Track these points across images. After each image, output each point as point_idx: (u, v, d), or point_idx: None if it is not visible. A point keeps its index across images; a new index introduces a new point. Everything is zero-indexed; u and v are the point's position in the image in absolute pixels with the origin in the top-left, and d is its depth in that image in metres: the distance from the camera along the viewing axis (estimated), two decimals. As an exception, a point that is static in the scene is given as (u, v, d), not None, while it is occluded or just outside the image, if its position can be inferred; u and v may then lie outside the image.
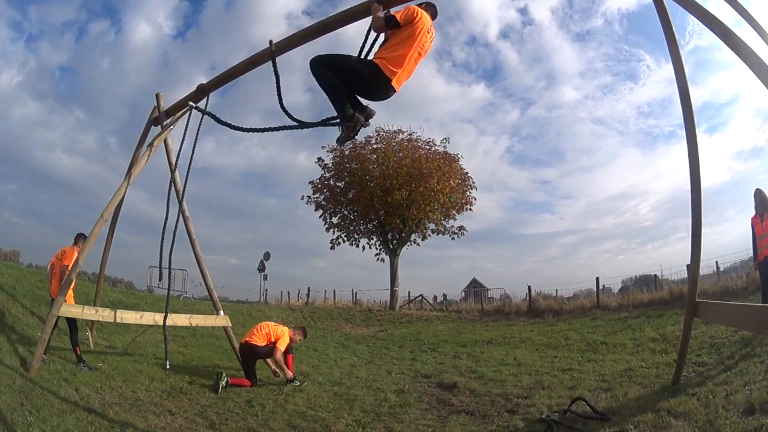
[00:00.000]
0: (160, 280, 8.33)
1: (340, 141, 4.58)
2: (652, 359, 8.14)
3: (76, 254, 7.65)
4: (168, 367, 7.52)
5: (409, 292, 29.19)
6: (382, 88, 4.25)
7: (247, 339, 7.84)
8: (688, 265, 7.07)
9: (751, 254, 8.57)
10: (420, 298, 28.34)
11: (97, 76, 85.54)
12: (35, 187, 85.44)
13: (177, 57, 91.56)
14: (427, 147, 27.63)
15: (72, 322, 7.66)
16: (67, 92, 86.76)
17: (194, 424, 5.39)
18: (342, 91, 4.22)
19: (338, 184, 28.43)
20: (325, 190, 28.43)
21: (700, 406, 4.95)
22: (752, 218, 8.21)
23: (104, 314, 7.60)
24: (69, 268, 7.43)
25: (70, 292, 7.45)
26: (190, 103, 7.01)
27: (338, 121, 4.36)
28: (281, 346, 7.77)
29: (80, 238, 7.90)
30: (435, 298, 29.13)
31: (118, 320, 7.69)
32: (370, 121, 4.35)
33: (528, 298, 20.95)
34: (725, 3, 4.38)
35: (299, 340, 8.69)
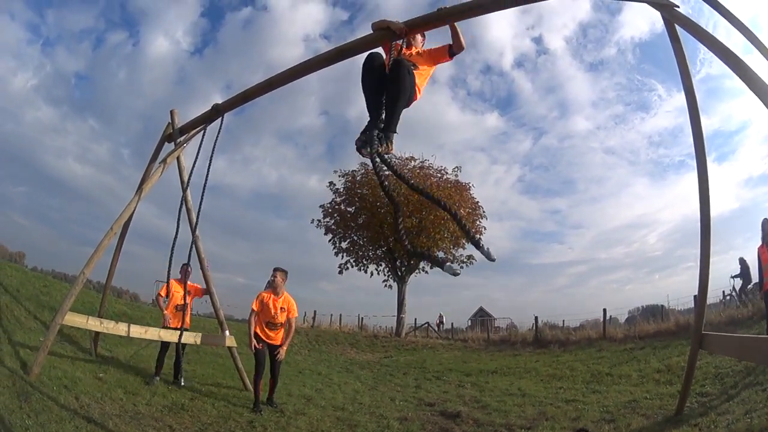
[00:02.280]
0: (159, 294, 8.52)
1: (381, 153, 4.23)
2: (656, 390, 8.11)
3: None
4: (182, 384, 7.79)
5: (415, 319, 29.07)
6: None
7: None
8: (695, 296, 7.10)
9: (757, 282, 8.68)
10: (426, 325, 28.18)
11: (112, 86, 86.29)
12: (45, 191, 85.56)
13: (193, 73, 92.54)
14: (439, 175, 27.81)
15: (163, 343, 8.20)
16: (82, 100, 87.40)
17: None
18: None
19: (349, 209, 28.58)
20: (335, 215, 28.58)
21: None
22: (759, 248, 8.34)
23: (109, 326, 7.68)
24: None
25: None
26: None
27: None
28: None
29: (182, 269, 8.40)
30: (440, 317, 28.92)
31: (122, 333, 7.75)
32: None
33: (534, 328, 20.80)
34: (736, 30, 4.50)
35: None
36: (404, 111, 4.31)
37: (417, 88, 4.42)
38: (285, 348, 7.41)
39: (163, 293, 8.35)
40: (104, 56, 79.44)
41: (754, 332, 9.77)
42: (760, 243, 8.35)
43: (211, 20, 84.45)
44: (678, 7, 4.60)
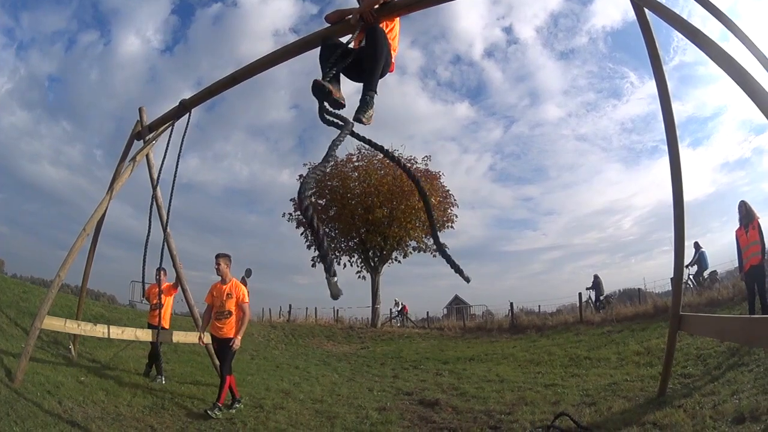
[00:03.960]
0: (142, 296, 8.35)
1: (368, 118, 4.00)
2: (636, 372, 8.15)
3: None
4: (163, 381, 8.01)
5: (390, 309, 29.06)
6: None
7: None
8: (671, 278, 7.10)
9: (737, 265, 8.78)
10: (398, 315, 28.13)
11: (85, 87, 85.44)
12: (20, 197, 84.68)
13: (164, 71, 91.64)
14: (409, 165, 27.61)
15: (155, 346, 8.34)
16: (56, 103, 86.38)
17: None
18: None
19: (319, 201, 28.26)
20: (306, 208, 28.15)
21: (686, 417, 4.99)
22: (737, 230, 8.46)
23: (86, 328, 7.61)
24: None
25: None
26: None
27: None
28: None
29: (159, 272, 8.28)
30: (396, 303, 28.79)
31: (100, 335, 7.73)
32: None
33: (510, 314, 20.95)
34: (711, 16, 4.42)
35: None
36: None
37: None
38: (239, 337, 6.98)
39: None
40: (76, 57, 78.89)
41: (735, 312, 9.90)
42: (738, 225, 8.42)
43: (181, 17, 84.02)
44: None
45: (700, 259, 15.42)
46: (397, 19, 4.81)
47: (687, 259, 13.62)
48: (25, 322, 9.44)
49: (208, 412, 6.40)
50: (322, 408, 7.36)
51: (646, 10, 5.03)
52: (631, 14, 5.39)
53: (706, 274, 15.54)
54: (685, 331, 6.06)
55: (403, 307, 29.05)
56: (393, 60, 4.54)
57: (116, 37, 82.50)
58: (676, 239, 5.84)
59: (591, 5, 73.66)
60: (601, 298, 18.85)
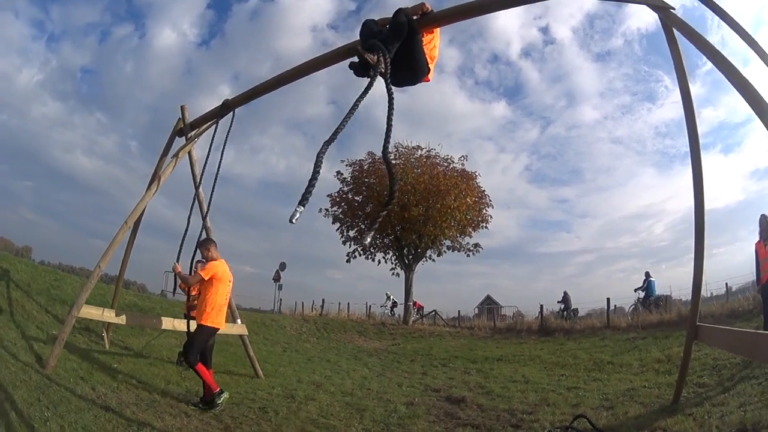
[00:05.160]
0: (177, 287, 8.60)
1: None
2: (655, 380, 8.29)
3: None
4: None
5: (422, 307, 29.20)
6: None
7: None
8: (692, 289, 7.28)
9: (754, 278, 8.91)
10: (434, 313, 28.36)
11: (119, 79, 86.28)
12: (52, 185, 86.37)
13: (201, 65, 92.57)
14: (446, 164, 27.86)
15: None
16: (89, 94, 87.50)
17: (209, 427, 5.59)
18: None
19: (356, 198, 28.69)
20: (342, 204, 28.70)
21: (695, 425, 5.16)
22: (756, 243, 8.48)
23: (123, 318, 7.95)
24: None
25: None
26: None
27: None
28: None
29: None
30: (416, 304, 28.89)
31: (136, 324, 8.07)
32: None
33: (540, 316, 21.04)
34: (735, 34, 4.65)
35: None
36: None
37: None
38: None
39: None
40: (110, 50, 79.51)
41: (753, 325, 9.92)
42: (758, 238, 8.51)
43: (217, 12, 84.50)
44: (674, 9, 4.72)
45: (648, 287, 18.78)
46: (437, 30, 5.15)
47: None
48: (56, 309, 9.86)
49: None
50: (352, 401, 7.60)
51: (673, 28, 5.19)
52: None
53: (652, 298, 18.53)
54: (700, 342, 6.22)
55: (415, 303, 28.81)
56: (432, 69, 4.91)
57: (151, 30, 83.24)
58: (696, 249, 5.91)
59: (626, 7, 72.17)
60: (570, 309, 22.27)
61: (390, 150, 3.51)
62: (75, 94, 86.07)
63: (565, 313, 22.02)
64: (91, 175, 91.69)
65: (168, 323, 8.36)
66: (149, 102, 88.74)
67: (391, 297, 29.32)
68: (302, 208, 2.76)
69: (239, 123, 7.37)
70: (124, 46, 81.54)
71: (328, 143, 3.08)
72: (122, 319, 7.97)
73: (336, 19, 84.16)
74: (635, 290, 19.46)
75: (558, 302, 22.78)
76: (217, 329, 6.79)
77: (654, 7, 4.85)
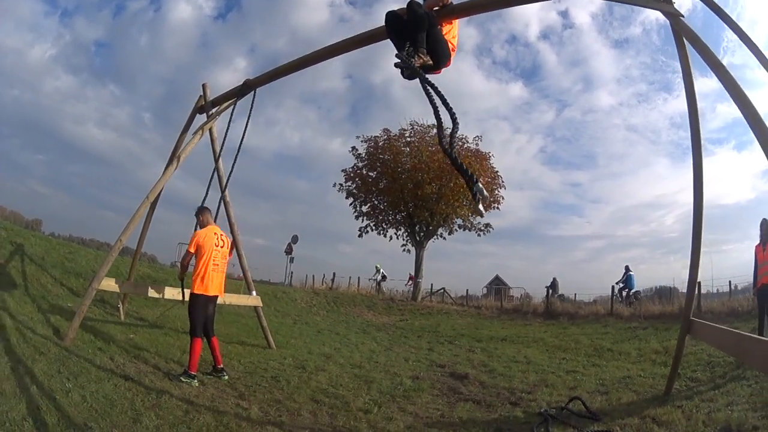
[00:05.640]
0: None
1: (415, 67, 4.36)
2: (651, 370, 8.53)
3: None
4: None
5: (432, 284, 29.53)
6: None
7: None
8: (698, 282, 7.47)
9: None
10: (442, 291, 28.72)
11: (134, 52, 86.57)
12: (64, 158, 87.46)
13: (217, 38, 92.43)
14: (460, 144, 27.92)
15: None
16: (103, 67, 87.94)
17: (225, 394, 5.83)
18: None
19: (370, 173, 28.99)
20: (357, 179, 29.07)
21: (683, 417, 5.38)
22: (756, 246, 8.61)
23: (153, 291, 8.18)
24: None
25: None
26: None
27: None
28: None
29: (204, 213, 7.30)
30: (411, 277, 29.24)
31: (155, 295, 8.11)
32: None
33: (546, 300, 21.37)
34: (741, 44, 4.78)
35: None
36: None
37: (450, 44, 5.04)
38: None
39: None
40: (125, 23, 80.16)
41: (750, 326, 10.07)
42: (757, 241, 8.62)
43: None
44: (683, 16, 4.86)
45: (627, 280, 19.75)
46: (456, 20, 5.38)
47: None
48: (71, 281, 10.20)
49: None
50: (361, 373, 7.92)
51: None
52: (685, 6, 5.58)
53: (631, 292, 19.57)
54: (693, 336, 6.44)
55: (410, 277, 29.20)
56: (451, 58, 5.15)
57: (166, 4, 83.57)
58: (693, 245, 6.14)
59: (643, -2, 70.85)
60: (557, 295, 23.57)
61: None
62: (88, 68, 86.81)
63: (555, 296, 22.83)
64: (104, 147, 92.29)
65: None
66: (164, 74, 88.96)
67: (381, 270, 29.38)
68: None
69: (255, 96, 7.67)
70: (139, 20, 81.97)
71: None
72: (156, 292, 8.17)
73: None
74: (615, 283, 19.90)
75: (546, 287, 23.48)
76: (211, 296, 6.72)
77: (665, 13, 5.00)
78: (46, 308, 7.97)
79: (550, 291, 23.05)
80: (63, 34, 79.95)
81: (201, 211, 7.22)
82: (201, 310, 6.60)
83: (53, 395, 4.56)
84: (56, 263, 11.01)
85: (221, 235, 7.03)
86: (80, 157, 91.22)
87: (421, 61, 4.50)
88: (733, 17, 4.94)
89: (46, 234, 20.24)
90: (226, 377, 6.57)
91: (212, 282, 6.68)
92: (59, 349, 6.12)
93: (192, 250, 6.71)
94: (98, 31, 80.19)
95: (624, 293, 19.61)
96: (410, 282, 29.10)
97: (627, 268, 20.10)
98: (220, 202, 8.15)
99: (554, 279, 24.28)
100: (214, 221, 7.28)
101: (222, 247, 6.92)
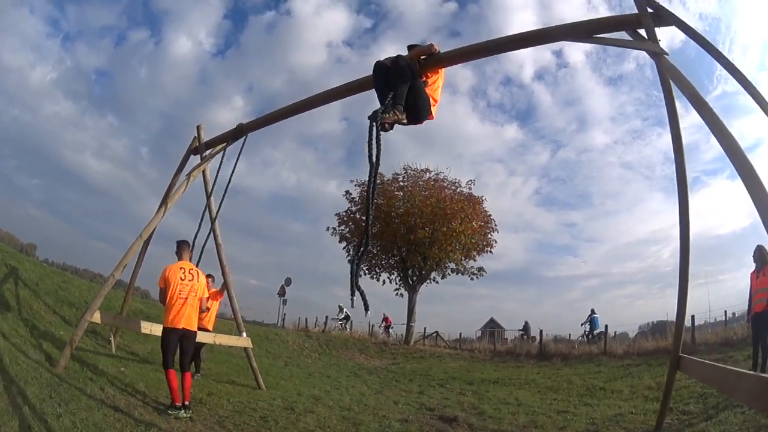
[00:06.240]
0: None
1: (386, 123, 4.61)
2: (643, 406, 8.46)
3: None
4: (199, 378, 8.50)
5: (425, 327, 29.21)
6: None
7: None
8: (692, 315, 7.48)
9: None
10: (435, 334, 28.40)
11: (133, 84, 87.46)
12: (60, 184, 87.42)
13: (215, 74, 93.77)
14: (453, 187, 28.17)
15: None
16: (102, 96, 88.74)
17: (212, 431, 5.89)
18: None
19: (363, 217, 28.85)
20: (350, 223, 29.07)
21: None
22: (751, 273, 8.63)
23: (144, 326, 8.16)
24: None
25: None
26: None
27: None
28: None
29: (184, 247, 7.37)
30: (387, 320, 29.70)
31: (147, 332, 8.14)
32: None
33: (539, 341, 21.23)
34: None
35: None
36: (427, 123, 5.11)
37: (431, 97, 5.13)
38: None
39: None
40: (126, 54, 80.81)
41: (745, 353, 10.06)
42: (752, 269, 8.64)
43: (234, 22, 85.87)
44: (667, 54, 4.99)
45: (591, 322, 21.75)
46: (442, 71, 5.50)
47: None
48: (63, 310, 10.26)
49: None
50: (349, 415, 7.85)
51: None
52: (677, 41, 5.65)
53: (595, 332, 21.11)
54: (682, 371, 6.42)
55: (386, 319, 29.29)
56: (433, 110, 5.24)
57: (167, 37, 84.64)
58: (680, 282, 6.28)
59: (639, 31, 72.79)
60: (529, 337, 25.07)
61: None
62: (88, 95, 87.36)
63: (591, 336, 22.95)
64: (100, 177, 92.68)
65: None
66: (162, 108, 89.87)
67: (344, 309, 28.89)
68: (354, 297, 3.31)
69: (251, 136, 7.84)
70: (140, 51, 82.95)
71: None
72: (151, 330, 8.11)
73: (352, 35, 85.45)
74: (581, 324, 22.34)
75: (519, 330, 26.14)
76: (181, 329, 6.59)
77: (650, 53, 5.11)
78: (38, 334, 8.06)
79: (523, 334, 25.04)
80: (64, 58, 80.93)
81: (177, 245, 7.24)
82: (169, 343, 6.53)
83: (44, 417, 4.69)
84: (50, 291, 11.12)
85: (190, 269, 6.99)
86: (75, 185, 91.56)
87: (395, 118, 4.63)
88: (726, 43, 5.10)
89: (41, 260, 20.23)
90: (185, 415, 6.23)
91: (179, 315, 6.61)
92: (51, 375, 6.21)
93: (161, 285, 6.75)
94: (99, 59, 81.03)
95: (589, 336, 21.48)
96: (383, 324, 29.18)
97: (592, 311, 22.29)
98: (208, 236, 8.27)
99: (526, 322, 26.38)
100: (200, 254, 7.62)
101: (190, 280, 6.86)
